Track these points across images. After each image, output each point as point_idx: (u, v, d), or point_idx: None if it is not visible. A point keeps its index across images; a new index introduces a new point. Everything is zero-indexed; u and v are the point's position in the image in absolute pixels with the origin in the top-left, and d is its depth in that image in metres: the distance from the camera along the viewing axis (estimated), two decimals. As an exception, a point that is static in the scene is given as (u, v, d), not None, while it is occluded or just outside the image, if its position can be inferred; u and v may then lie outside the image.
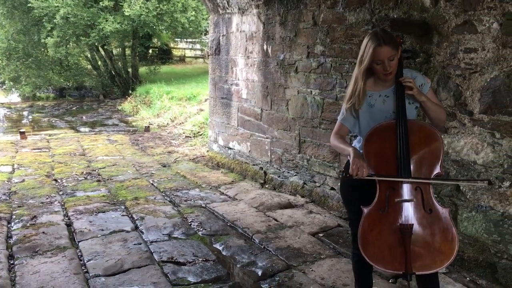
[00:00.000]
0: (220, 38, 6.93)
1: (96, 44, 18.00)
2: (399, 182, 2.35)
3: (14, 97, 20.85)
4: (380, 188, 2.39)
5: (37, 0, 14.94)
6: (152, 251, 3.93)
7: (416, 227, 2.32)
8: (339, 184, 4.75)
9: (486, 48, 3.27)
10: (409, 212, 2.33)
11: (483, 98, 3.32)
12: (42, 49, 18.26)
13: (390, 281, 3.28)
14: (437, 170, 2.38)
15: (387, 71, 2.38)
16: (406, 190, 2.36)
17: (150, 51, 26.49)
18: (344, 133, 2.60)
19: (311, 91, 5.06)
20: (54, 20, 15.22)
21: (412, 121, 2.45)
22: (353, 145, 2.65)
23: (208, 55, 7.52)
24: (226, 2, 6.51)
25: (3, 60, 18.37)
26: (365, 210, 2.40)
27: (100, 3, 15.12)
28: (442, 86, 3.60)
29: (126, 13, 14.96)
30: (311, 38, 4.99)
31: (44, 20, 15.84)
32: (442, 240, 2.30)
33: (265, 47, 5.82)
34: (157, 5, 15.26)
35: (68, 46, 17.55)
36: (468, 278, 3.43)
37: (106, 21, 15.35)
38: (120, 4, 15.39)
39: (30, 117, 15.37)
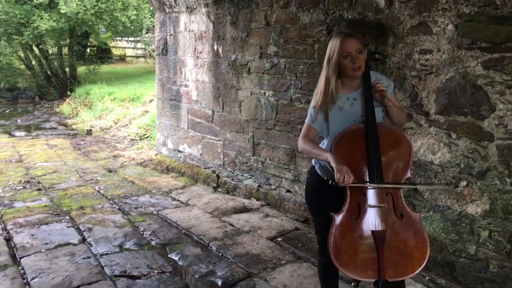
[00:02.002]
0: (168, 37, 6.69)
1: (31, 43, 17.04)
2: (372, 187, 2.29)
3: None
4: (351, 195, 2.31)
5: (-36, -4, 13.94)
6: (103, 265, 3.67)
7: (388, 233, 2.27)
8: (296, 187, 4.70)
9: (441, 49, 3.30)
10: (380, 218, 2.28)
11: (439, 99, 3.35)
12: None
13: (352, 284, 3.26)
14: (408, 174, 2.35)
15: (356, 64, 2.31)
16: (377, 196, 2.30)
17: (88, 50, 25.44)
18: (313, 136, 2.50)
19: (264, 93, 4.96)
20: (-16, 18, 14.26)
21: (381, 125, 2.40)
22: None
23: (151, 55, 7.25)
24: (173, 0, 6.28)
25: None
26: (336, 217, 2.31)
27: (34, 0, 14.29)
28: (398, 87, 3.61)
29: (62, 11, 14.23)
30: (264, 39, 4.90)
31: (-27, 17, 14.79)
32: (414, 245, 2.26)
33: (215, 47, 5.66)
34: (95, 3, 14.63)
35: (9, 44, 16.49)
36: (427, 278, 3.45)
37: (41, 18, 14.54)
38: (56, 1, 14.62)
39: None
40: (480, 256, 3.20)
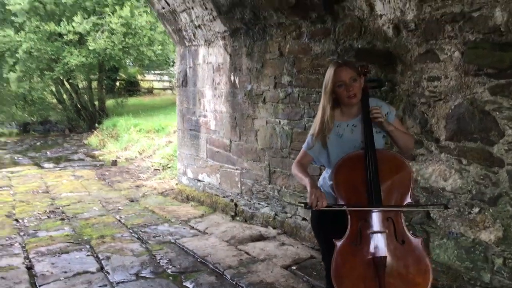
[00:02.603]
0: (187, 70, 6.90)
1: (61, 78, 17.75)
2: (370, 213, 2.31)
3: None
4: (352, 221, 2.34)
5: (-1, 35, 14.69)
6: (119, 293, 3.75)
7: (390, 259, 2.27)
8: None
9: (449, 76, 3.33)
10: (382, 244, 2.29)
11: (449, 125, 3.36)
12: (4, 84, 17.83)
13: None
14: (408, 199, 2.36)
15: (350, 93, 2.38)
16: (377, 222, 2.32)
17: (117, 83, 26.25)
18: (307, 162, 2.56)
19: (279, 121, 5.04)
20: (17, 55, 14.92)
21: (381, 151, 2.44)
22: (322, 176, 2.61)
23: (176, 87, 7.46)
24: (192, 34, 6.51)
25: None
26: (338, 243, 2.34)
27: (65, 37, 14.93)
28: (408, 114, 3.63)
29: (91, 47, 14.80)
30: (278, 69, 5.01)
31: (6, 55, 15.50)
32: (415, 271, 2.26)
33: (232, 78, 5.81)
34: (123, 39, 15.18)
35: (32, 80, 17.21)
36: (443, 307, 3.39)
37: (71, 54, 15.15)
38: (85, 38, 15.24)
39: (-9, 154, 14.83)
40: (495, 285, 3.13)
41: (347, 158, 2.41)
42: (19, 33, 14.79)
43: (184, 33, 6.65)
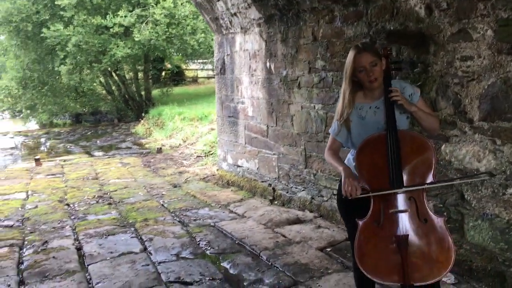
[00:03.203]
0: (225, 57, 7.02)
1: (109, 69, 18.37)
2: (393, 193, 2.35)
3: (32, 125, 21.33)
4: (374, 201, 2.39)
5: (49, 30, 15.30)
6: (160, 272, 3.94)
7: (412, 238, 2.30)
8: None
9: (482, 55, 3.26)
10: (404, 223, 2.32)
11: (482, 106, 3.30)
12: (57, 77, 18.64)
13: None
14: (430, 179, 2.37)
15: (371, 77, 2.41)
16: (400, 201, 2.35)
17: (163, 73, 26.86)
18: (337, 147, 2.62)
19: (314, 106, 5.08)
20: (67, 48, 15.57)
21: (403, 132, 2.46)
22: (348, 157, 2.66)
23: (215, 75, 7.61)
24: (229, 22, 6.61)
25: (20, 90, 18.80)
26: (360, 223, 2.39)
27: (111, 29, 15.42)
28: (441, 95, 3.59)
29: (136, 39, 15.23)
30: (312, 54, 5.03)
31: (57, 48, 16.20)
32: (438, 249, 2.28)
33: (268, 64, 5.88)
34: (166, 29, 15.51)
35: (82, 73, 17.92)
36: (478, 288, 3.37)
37: (117, 46, 15.64)
38: (131, 30, 15.68)
39: (46, 144, 15.64)
40: (531, 266, 3.09)
41: (370, 140, 2.45)
42: (68, 27, 15.39)
43: (221, 21, 6.76)
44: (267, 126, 6.03)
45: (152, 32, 15.33)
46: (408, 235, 2.30)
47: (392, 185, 2.35)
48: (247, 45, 6.33)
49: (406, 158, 2.39)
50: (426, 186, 2.37)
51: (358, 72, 2.45)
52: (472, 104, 3.38)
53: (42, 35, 15.72)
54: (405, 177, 2.37)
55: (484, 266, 3.38)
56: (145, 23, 15.38)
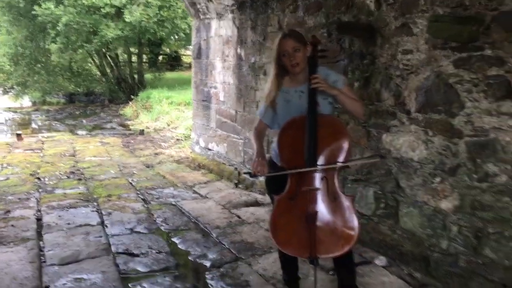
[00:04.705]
0: (201, 42, 7.14)
1: (102, 50, 18.39)
2: (307, 172, 2.51)
3: (26, 102, 21.37)
4: (291, 179, 2.55)
5: (41, 8, 15.33)
6: (111, 244, 4.11)
7: (321, 214, 2.47)
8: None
9: (420, 49, 3.41)
10: (315, 200, 2.49)
11: (418, 98, 3.45)
12: (49, 55, 18.69)
13: (330, 273, 3.45)
14: (341, 160, 2.53)
15: (292, 62, 2.57)
16: (313, 180, 2.51)
17: (160, 58, 26.89)
18: (263, 129, 2.78)
19: (276, 93, 5.21)
20: (57, 27, 15.60)
21: (323, 116, 2.61)
22: (272, 146, 2.83)
23: (192, 59, 7.73)
24: (205, 7, 6.72)
25: (11, 66, 18.85)
26: (276, 198, 2.55)
27: (102, 9, 15.46)
28: (385, 87, 3.74)
29: (127, 20, 15.28)
30: (277, 42, 5.15)
31: (48, 27, 16.23)
32: (343, 226, 2.45)
33: (239, 51, 6.01)
34: (158, 12, 15.57)
35: (76, 52, 17.92)
36: (405, 271, 3.54)
37: (108, 27, 15.69)
38: (122, 11, 15.72)
39: (33, 120, 15.74)
40: (451, 251, 3.26)
41: (291, 122, 2.61)
42: (58, 7, 15.41)
43: (198, 6, 6.87)
44: (236, 111, 6.17)
45: (143, 14, 15.38)
46: (317, 212, 2.46)
47: (307, 163, 2.51)
48: (221, 31, 6.45)
49: (322, 140, 2.54)
50: (325, 166, 2.52)
51: (282, 56, 2.60)
52: (410, 96, 3.53)
53: (33, 12, 15.75)
54: (319, 158, 2.53)
55: (412, 250, 3.56)
56: (137, 5, 15.41)
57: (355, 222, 2.43)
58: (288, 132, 2.60)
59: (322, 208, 2.48)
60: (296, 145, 2.56)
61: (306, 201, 2.49)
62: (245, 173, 2.65)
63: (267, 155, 2.81)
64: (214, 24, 6.67)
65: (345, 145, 2.55)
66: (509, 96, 2.85)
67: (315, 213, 2.45)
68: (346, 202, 2.48)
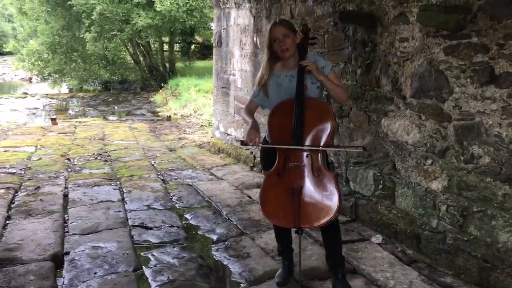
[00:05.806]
0: (222, 31, 7.40)
1: (135, 39, 18.89)
2: (294, 150, 2.75)
3: (64, 89, 22.20)
4: (279, 156, 2.79)
5: (76, -2, 15.94)
6: (128, 218, 4.46)
7: (305, 189, 2.70)
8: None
9: (415, 37, 3.57)
10: (300, 175, 2.72)
11: (413, 84, 3.62)
12: (84, 44, 19.35)
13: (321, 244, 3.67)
14: (324, 140, 2.75)
15: (282, 47, 2.80)
16: (299, 157, 2.75)
17: (193, 47, 27.34)
18: (254, 107, 3.04)
19: (288, 80, 5.43)
20: (92, 17, 16.17)
21: (310, 98, 2.83)
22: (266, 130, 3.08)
23: (213, 47, 8.00)
24: (225, -3, 6.97)
25: (49, 54, 19.63)
26: (267, 173, 2.81)
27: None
28: (384, 73, 3.91)
29: (158, 9, 15.68)
30: (289, 30, 5.36)
31: (82, 16, 16.83)
32: (325, 199, 2.67)
33: (255, 39, 6.24)
34: (187, 1, 15.90)
35: (110, 41, 18.49)
36: (399, 249, 3.73)
37: (139, 16, 16.15)
38: (153, 0, 16.14)
39: (69, 106, 16.43)
40: (440, 229, 3.44)
41: (281, 103, 2.85)
42: (93, -4, 15.98)
43: (219, -4, 7.13)
44: (252, 97, 6.41)
45: (173, 3, 15.74)
46: (302, 186, 2.70)
47: (293, 143, 2.75)
48: (239, 20, 6.69)
49: (308, 121, 2.77)
50: (311, 148, 2.74)
51: (273, 41, 2.84)
52: (406, 82, 3.70)
53: (69, 2, 16.35)
54: (304, 138, 2.76)
55: (406, 229, 3.75)
56: (167, -6, 15.78)
57: (335, 196, 2.65)
58: (277, 113, 2.85)
59: (306, 183, 2.71)
60: (283, 125, 2.80)
61: (292, 176, 2.73)
62: (237, 140, 2.92)
63: (262, 135, 3.05)
64: (233, 13, 6.92)
65: (330, 126, 2.76)
66: (492, 82, 3.00)
67: (300, 188, 2.69)
68: (328, 178, 2.70)
